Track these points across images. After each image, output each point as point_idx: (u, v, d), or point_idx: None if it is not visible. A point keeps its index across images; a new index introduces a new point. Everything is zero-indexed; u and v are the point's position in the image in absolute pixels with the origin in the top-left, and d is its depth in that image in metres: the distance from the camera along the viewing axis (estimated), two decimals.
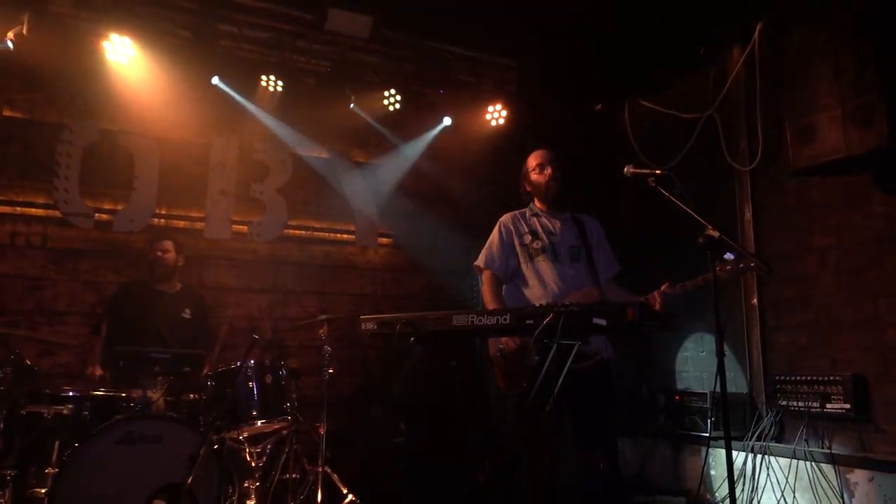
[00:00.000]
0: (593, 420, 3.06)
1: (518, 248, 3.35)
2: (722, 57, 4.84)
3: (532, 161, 3.48)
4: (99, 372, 4.16)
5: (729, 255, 2.79)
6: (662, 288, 3.03)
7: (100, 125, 5.15)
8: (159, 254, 4.55)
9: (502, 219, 3.47)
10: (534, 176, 3.45)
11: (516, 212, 3.51)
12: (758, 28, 4.52)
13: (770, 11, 4.43)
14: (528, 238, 3.36)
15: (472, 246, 5.98)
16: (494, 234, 3.43)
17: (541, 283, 3.25)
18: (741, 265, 2.84)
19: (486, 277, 3.34)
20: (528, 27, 5.07)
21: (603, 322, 1.98)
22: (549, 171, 3.41)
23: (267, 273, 5.63)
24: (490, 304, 3.24)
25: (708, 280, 2.79)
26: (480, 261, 3.40)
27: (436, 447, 4.87)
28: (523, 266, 3.33)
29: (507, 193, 6.11)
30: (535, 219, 3.44)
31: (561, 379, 2.06)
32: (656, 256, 4.54)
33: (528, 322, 2.14)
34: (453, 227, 6.02)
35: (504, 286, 3.35)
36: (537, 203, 3.50)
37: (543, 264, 3.28)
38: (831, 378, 3.90)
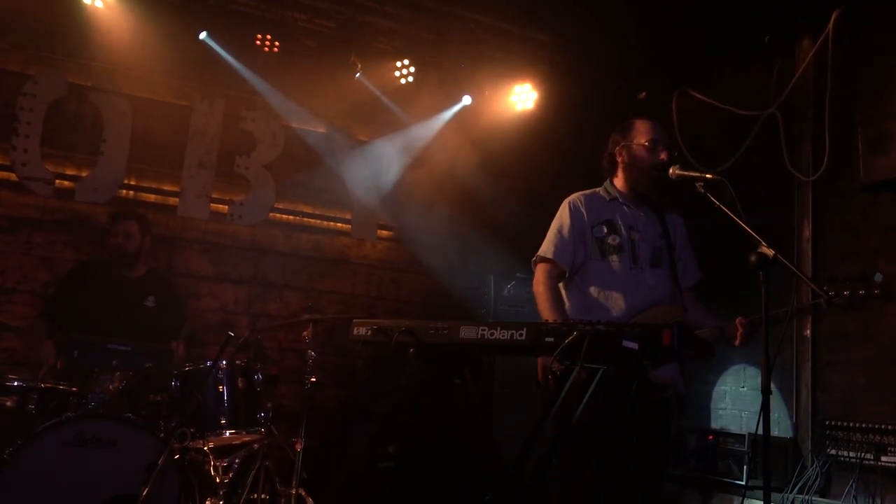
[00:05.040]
0: (631, 465, 2.92)
1: (590, 239, 3.11)
2: (789, 48, 4.83)
3: (643, 133, 3.15)
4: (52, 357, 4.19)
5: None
6: (742, 319, 2.88)
7: (68, 78, 5.19)
8: (120, 240, 4.52)
9: (572, 198, 3.22)
10: (640, 151, 3.13)
11: (588, 191, 3.25)
12: (833, 17, 4.50)
13: None
14: (602, 229, 3.12)
15: (487, 247, 6.06)
16: (564, 216, 3.17)
17: (610, 291, 3.04)
18: (862, 292, 2.80)
19: (543, 272, 3.10)
20: None
21: (634, 346, 1.99)
22: (664, 154, 3.08)
23: (247, 261, 5.66)
24: (549, 311, 2.98)
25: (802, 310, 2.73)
26: (547, 250, 3.11)
27: (429, 476, 4.88)
28: (591, 262, 3.10)
29: (531, 189, 6.18)
30: (613, 204, 3.19)
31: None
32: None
33: (547, 340, 2.15)
34: (466, 223, 6.03)
35: (561, 285, 3.14)
36: (619, 184, 3.24)
37: (617, 266, 3.06)
38: (890, 427, 3.89)
